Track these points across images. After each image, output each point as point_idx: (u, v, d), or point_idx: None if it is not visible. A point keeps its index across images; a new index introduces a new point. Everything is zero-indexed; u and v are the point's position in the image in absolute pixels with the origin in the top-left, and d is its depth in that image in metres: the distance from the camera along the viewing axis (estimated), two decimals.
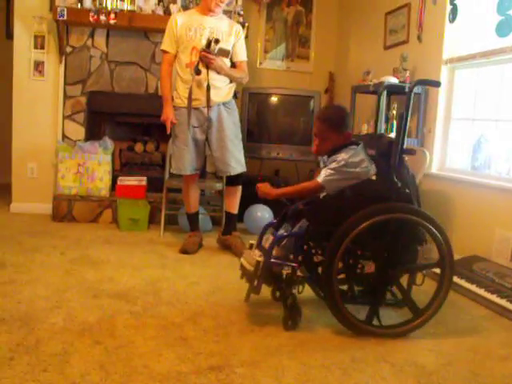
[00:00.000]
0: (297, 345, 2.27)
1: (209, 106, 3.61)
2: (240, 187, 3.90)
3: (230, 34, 3.72)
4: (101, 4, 4.44)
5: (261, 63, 5.64)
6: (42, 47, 4.66)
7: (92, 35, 4.72)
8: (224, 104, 3.71)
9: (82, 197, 4.58)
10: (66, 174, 4.59)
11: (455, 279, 3.20)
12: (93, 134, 4.86)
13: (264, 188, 2.62)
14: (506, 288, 2.95)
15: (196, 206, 3.93)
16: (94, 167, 4.62)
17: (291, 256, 2.49)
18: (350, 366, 2.11)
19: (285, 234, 2.50)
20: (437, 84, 2.94)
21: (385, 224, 2.38)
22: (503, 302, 2.83)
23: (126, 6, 4.50)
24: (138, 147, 5.05)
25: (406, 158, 2.54)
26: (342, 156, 2.47)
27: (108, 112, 4.90)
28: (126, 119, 5.03)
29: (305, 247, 2.48)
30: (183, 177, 3.84)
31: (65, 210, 4.50)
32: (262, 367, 2.05)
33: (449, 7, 3.87)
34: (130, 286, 2.92)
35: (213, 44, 3.50)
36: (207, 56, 3.50)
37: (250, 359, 2.11)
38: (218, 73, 3.62)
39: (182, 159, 3.72)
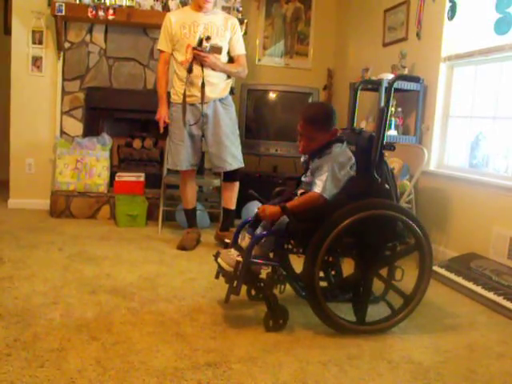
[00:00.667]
0: (294, 341, 2.28)
1: (203, 102, 3.62)
2: (237, 183, 3.90)
3: (226, 29, 3.71)
4: (99, 0, 4.43)
5: (259, 60, 5.63)
6: (40, 42, 4.65)
7: (90, 31, 4.71)
8: (220, 100, 3.72)
9: (80, 193, 4.58)
10: (64, 170, 4.59)
11: (453, 277, 3.22)
12: (91, 130, 4.85)
13: (267, 210, 2.42)
14: (503, 285, 2.96)
15: (193, 202, 3.93)
16: (92, 163, 4.62)
17: (271, 254, 2.47)
18: (346, 363, 2.11)
19: (264, 232, 2.45)
20: (417, 80, 2.92)
21: (366, 220, 2.34)
22: (500, 300, 2.84)
23: (125, 2, 4.50)
24: (136, 143, 5.05)
25: (387, 155, 2.56)
26: (331, 158, 2.42)
27: (106, 108, 4.89)
28: (124, 115, 5.02)
29: (285, 245, 2.45)
30: (180, 173, 3.85)
31: (63, 206, 4.50)
32: (259, 363, 2.06)
33: (448, 4, 3.87)
34: (127, 282, 2.92)
35: (204, 42, 3.52)
36: (199, 54, 3.53)
37: (247, 355, 2.11)
38: (213, 69, 3.63)
39: (178, 155, 3.73)
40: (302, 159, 2.67)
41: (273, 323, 2.37)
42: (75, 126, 4.81)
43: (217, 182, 4.39)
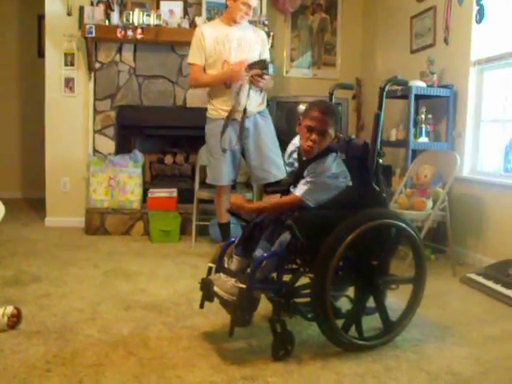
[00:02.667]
0: (330, 354, 2.25)
1: (245, 116, 3.57)
2: (278, 195, 3.84)
3: (257, 43, 3.72)
4: (128, 20, 4.53)
5: (287, 72, 5.66)
6: (72, 64, 4.77)
7: (120, 50, 4.81)
8: (259, 113, 3.72)
9: (114, 210, 4.65)
10: (98, 188, 4.67)
11: (491, 284, 3.15)
12: (123, 148, 4.93)
13: (237, 200, 2.39)
14: None
15: (228, 216, 3.91)
16: (125, 180, 4.69)
17: (272, 276, 2.26)
18: (384, 375, 2.08)
19: (264, 254, 2.19)
20: (404, 83, 2.83)
21: (371, 231, 2.23)
22: None
23: (153, 21, 4.58)
24: (168, 159, 5.11)
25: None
26: (324, 167, 2.28)
27: (137, 125, 4.97)
28: (155, 132, 5.10)
29: (291, 266, 2.30)
30: (216, 187, 3.82)
31: (97, 223, 4.57)
32: (295, 376, 2.04)
33: (475, 8, 3.83)
34: (162, 298, 2.94)
35: (260, 65, 3.46)
36: (260, 79, 3.47)
37: (283, 369, 2.10)
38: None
39: (219, 170, 3.68)
40: (287, 158, 2.54)
41: (283, 351, 2.18)
42: (107, 144, 4.90)
43: (249, 194, 4.41)
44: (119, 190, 4.68)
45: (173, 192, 4.72)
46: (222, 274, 2.27)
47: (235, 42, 3.62)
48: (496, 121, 3.84)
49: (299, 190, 2.27)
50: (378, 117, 2.35)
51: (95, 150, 4.87)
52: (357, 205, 2.28)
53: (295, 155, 2.48)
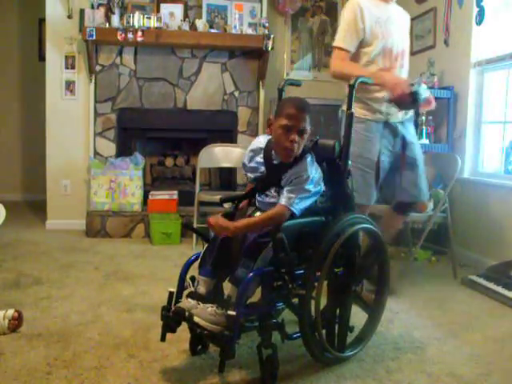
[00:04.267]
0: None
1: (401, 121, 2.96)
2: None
3: (407, 29, 3.09)
4: (128, 23, 4.53)
5: (288, 74, 5.65)
6: (73, 67, 4.77)
7: (120, 53, 4.81)
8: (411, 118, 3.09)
9: (115, 212, 4.65)
10: (99, 190, 4.67)
11: (492, 286, 3.15)
12: (124, 150, 4.93)
13: (218, 221, 2.00)
14: None
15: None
16: (126, 183, 4.69)
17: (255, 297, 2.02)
18: (385, 377, 2.08)
19: (250, 274, 1.90)
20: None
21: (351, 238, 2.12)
22: None
23: (153, 24, 4.58)
24: (169, 162, 5.12)
25: None
26: (306, 172, 2.05)
27: (138, 128, 4.97)
28: (155, 134, 5.10)
29: (276, 283, 2.03)
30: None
31: (98, 226, 4.58)
32: (296, 379, 2.04)
33: (475, 9, 3.83)
34: (163, 300, 2.92)
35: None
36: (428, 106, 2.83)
37: (284, 372, 2.09)
38: None
39: (369, 186, 2.88)
40: (247, 161, 2.24)
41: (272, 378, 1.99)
42: (108, 147, 4.90)
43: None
44: (120, 192, 4.68)
45: (173, 194, 4.72)
46: (190, 300, 1.96)
47: (394, 25, 2.86)
48: (497, 122, 3.84)
49: (286, 200, 2.01)
50: (351, 116, 2.22)
51: (96, 153, 4.88)
52: (330, 210, 2.17)
53: (259, 158, 2.20)
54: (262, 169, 2.18)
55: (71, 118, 4.83)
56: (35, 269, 3.46)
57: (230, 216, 2.14)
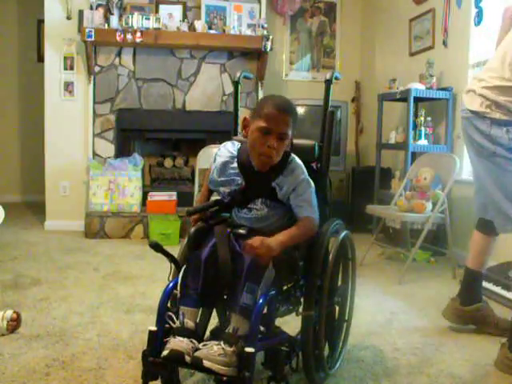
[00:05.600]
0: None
1: None
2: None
3: None
4: (127, 23, 4.54)
5: (286, 75, 5.66)
6: (72, 68, 4.77)
7: (119, 54, 4.82)
8: None
9: (114, 213, 4.65)
10: (98, 191, 4.67)
11: (491, 287, 3.15)
12: (122, 151, 4.94)
13: (264, 242, 1.62)
14: None
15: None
16: (125, 184, 4.69)
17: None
18: (383, 378, 2.08)
19: (260, 300, 1.62)
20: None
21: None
22: None
23: (152, 25, 4.59)
24: (168, 162, 5.12)
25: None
26: (302, 174, 1.84)
27: (137, 129, 4.99)
28: (154, 135, 5.11)
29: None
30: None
31: (97, 227, 4.57)
32: (295, 380, 2.04)
33: (474, 11, 3.84)
34: None
35: None
36: None
37: None
38: None
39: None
40: (229, 183, 1.86)
41: None
42: (107, 148, 4.90)
43: None
44: (119, 193, 4.68)
45: (172, 195, 4.72)
46: (181, 339, 1.61)
47: None
48: None
49: (308, 209, 1.79)
50: (332, 114, 2.01)
51: (95, 154, 4.88)
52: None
53: (232, 170, 1.86)
54: (239, 180, 1.83)
55: (70, 118, 4.83)
56: (34, 270, 3.46)
57: (201, 232, 1.85)
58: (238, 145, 1.92)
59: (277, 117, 1.76)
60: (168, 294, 1.75)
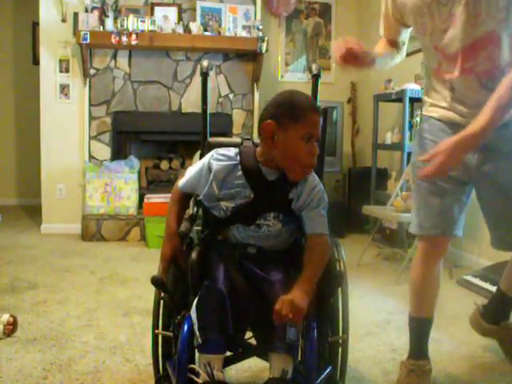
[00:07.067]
0: None
1: None
2: None
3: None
4: (122, 26, 4.53)
5: (282, 76, 5.66)
6: (67, 71, 4.76)
7: (115, 56, 4.81)
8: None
9: (110, 216, 4.64)
10: (94, 194, 4.66)
11: (488, 286, 3.15)
12: (119, 154, 4.93)
13: (294, 303, 1.34)
14: None
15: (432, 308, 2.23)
16: (121, 186, 4.68)
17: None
18: (381, 378, 2.08)
19: (314, 332, 1.46)
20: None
21: None
22: None
23: (147, 27, 4.58)
24: (164, 165, 5.11)
25: None
26: (318, 182, 1.61)
27: (133, 131, 4.97)
28: (150, 137, 5.10)
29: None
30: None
31: (93, 230, 4.56)
32: None
33: None
34: None
35: None
36: None
37: None
38: None
39: (429, 208, 2.01)
40: (231, 198, 1.58)
41: None
42: (103, 151, 4.89)
43: None
44: (115, 196, 4.67)
45: (169, 197, 4.70)
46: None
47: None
48: None
49: (321, 228, 1.54)
50: (325, 112, 1.72)
51: (91, 156, 4.87)
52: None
53: (236, 180, 1.57)
54: (246, 192, 1.56)
55: (66, 121, 4.81)
56: (30, 273, 3.45)
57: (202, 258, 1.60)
58: (233, 150, 1.63)
59: (315, 120, 1.53)
60: (185, 342, 1.42)
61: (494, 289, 3.09)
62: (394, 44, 2.18)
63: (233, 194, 1.57)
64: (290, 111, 1.50)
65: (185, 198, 1.75)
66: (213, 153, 1.63)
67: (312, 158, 1.51)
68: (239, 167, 1.58)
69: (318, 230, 1.53)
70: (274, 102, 1.55)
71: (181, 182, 1.72)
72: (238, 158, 1.59)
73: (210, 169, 1.60)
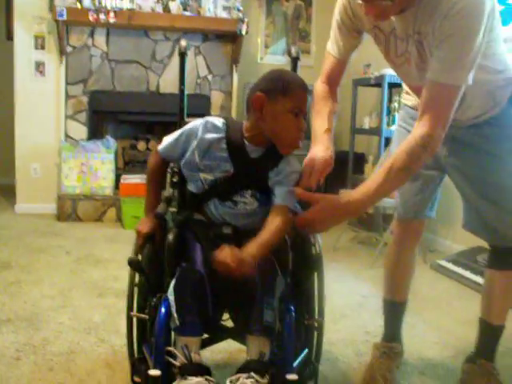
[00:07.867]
0: None
1: None
2: None
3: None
4: (100, 3, 4.44)
5: (261, 58, 5.62)
6: (43, 47, 4.66)
7: (92, 34, 4.72)
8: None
9: (86, 196, 4.59)
10: (70, 174, 4.60)
11: (460, 271, 3.22)
12: (95, 133, 4.87)
13: (232, 256, 1.33)
14: None
15: (406, 292, 2.26)
16: (97, 166, 4.63)
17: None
18: (354, 360, 2.12)
19: (291, 315, 1.46)
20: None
21: None
22: None
23: (126, 5, 4.50)
24: (141, 145, 5.06)
25: None
26: (299, 170, 1.59)
27: (110, 111, 4.91)
28: (127, 118, 5.04)
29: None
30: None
31: (69, 210, 4.52)
32: None
33: None
34: None
35: None
36: None
37: None
38: None
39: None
40: (210, 169, 1.56)
41: None
42: (79, 130, 4.82)
43: None
44: (91, 176, 4.62)
45: (145, 178, 4.67)
46: (197, 378, 1.29)
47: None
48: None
49: (284, 198, 1.52)
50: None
51: (67, 136, 4.80)
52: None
53: (219, 152, 1.55)
54: (227, 166, 1.54)
55: (41, 99, 4.73)
56: (4, 253, 3.41)
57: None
58: (222, 121, 1.59)
59: (304, 96, 1.54)
60: (163, 324, 1.39)
61: (466, 273, 3.17)
62: (333, 89, 1.98)
63: (213, 165, 1.55)
64: (280, 84, 1.51)
65: (164, 164, 1.71)
66: (204, 121, 1.58)
67: (300, 131, 1.50)
68: (224, 140, 1.55)
69: (282, 202, 1.51)
70: (265, 78, 1.57)
71: (161, 147, 1.67)
72: (225, 129, 1.57)
73: (195, 135, 1.57)
